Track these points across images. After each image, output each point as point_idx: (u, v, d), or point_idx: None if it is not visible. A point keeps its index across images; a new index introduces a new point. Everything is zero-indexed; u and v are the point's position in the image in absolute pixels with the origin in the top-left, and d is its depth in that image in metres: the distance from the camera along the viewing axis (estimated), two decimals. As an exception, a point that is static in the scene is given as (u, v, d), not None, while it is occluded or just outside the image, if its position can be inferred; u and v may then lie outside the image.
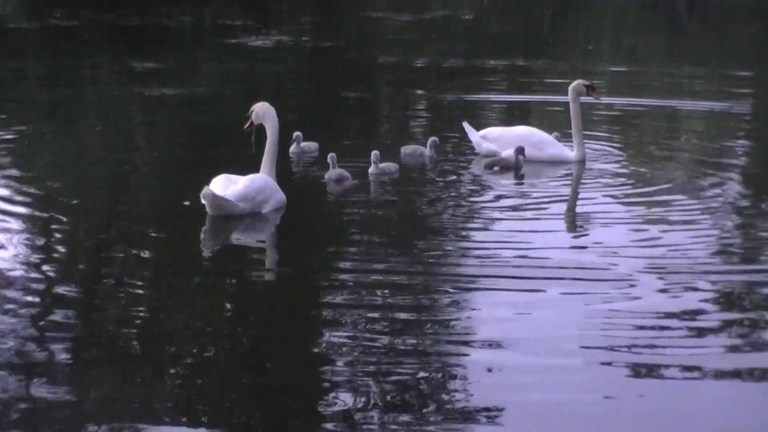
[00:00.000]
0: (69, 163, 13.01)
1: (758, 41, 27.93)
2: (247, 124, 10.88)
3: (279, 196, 10.51)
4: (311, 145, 13.23)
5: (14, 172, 12.03)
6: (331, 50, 24.68)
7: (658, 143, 14.67)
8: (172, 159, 13.56)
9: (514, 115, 17.14)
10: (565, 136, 13.57)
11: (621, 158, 13.34)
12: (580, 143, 12.86)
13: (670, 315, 7.65)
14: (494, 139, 13.10)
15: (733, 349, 7.13)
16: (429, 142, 13.11)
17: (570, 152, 12.90)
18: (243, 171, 10.55)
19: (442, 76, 20.54)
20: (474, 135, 13.26)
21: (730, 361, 6.91)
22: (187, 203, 10.63)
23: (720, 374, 6.74)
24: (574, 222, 10.41)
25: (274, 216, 10.38)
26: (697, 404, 6.38)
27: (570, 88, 12.96)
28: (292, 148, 13.10)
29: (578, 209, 11.06)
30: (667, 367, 6.80)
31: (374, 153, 12.09)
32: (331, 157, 11.91)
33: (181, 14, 29.85)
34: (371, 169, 12.06)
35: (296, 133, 13.10)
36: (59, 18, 28.66)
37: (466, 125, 13.36)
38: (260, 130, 10.92)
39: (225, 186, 10.19)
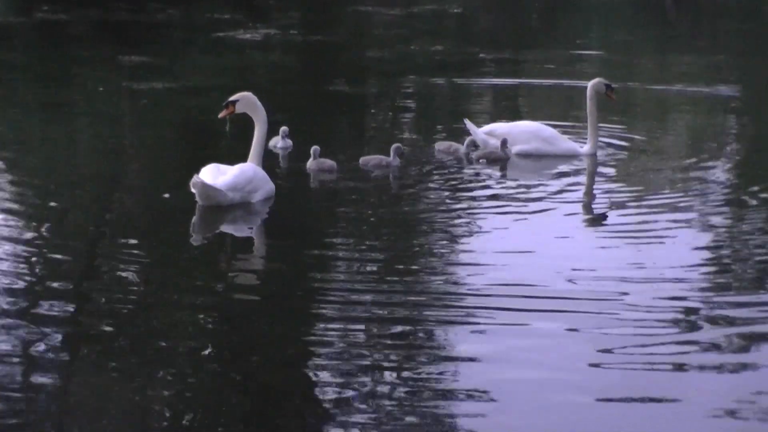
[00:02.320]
0: (58, 157, 12.97)
1: (746, 37, 27.99)
2: (224, 113, 10.81)
3: (268, 186, 10.49)
4: (287, 141, 12.98)
5: (1, 166, 11.97)
6: (320, 44, 24.64)
7: (663, 134, 14.65)
8: (161, 152, 13.53)
9: (509, 106, 17.18)
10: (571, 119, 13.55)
11: (630, 154, 13.15)
12: (594, 138, 12.77)
13: (686, 362, 6.81)
14: (501, 135, 12.79)
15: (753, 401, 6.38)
16: (466, 141, 12.77)
17: (580, 147, 12.83)
18: (231, 163, 10.52)
19: (433, 70, 20.52)
20: (479, 133, 12.89)
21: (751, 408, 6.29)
22: (166, 196, 10.63)
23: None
24: (580, 237, 9.74)
25: (264, 206, 10.37)
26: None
27: (590, 85, 12.86)
28: (280, 144, 12.85)
29: (584, 220, 10.47)
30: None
31: (396, 146, 12.00)
32: (314, 150, 11.82)
33: (169, 8, 29.75)
34: (392, 160, 11.91)
35: (283, 128, 12.91)
36: (47, 12, 28.52)
37: (468, 123, 13.01)
38: (235, 119, 10.89)
39: (214, 175, 10.16)
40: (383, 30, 27.76)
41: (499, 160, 12.54)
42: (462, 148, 12.74)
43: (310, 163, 11.79)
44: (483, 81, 19.23)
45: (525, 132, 12.85)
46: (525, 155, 12.77)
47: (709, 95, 17.86)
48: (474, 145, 12.81)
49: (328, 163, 11.76)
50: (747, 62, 22.40)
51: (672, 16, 33.92)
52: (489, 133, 12.89)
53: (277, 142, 12.86)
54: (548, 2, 36.82)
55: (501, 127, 13.07)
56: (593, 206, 10.97)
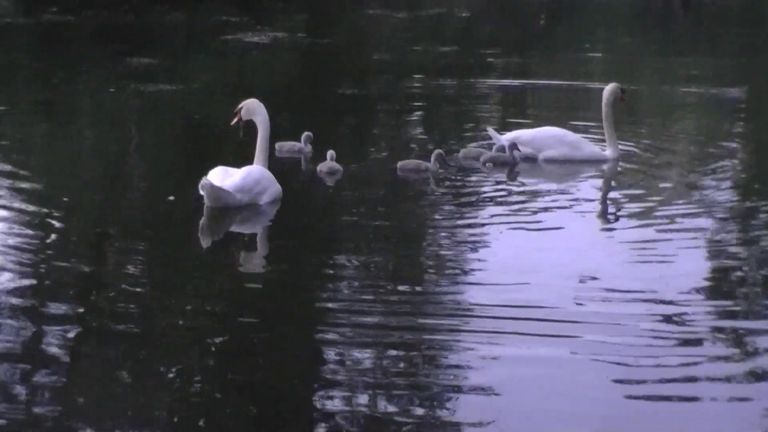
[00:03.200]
0: (63, 159, 12.96)
1: (751, 40, 28.00)
2: (234, 120, 10.98)
3: (276, 188, 10.51)
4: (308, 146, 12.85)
5: (7, 169, 11.94)
6: (326, 47, 24.65)
7: (674, 138, 14.60)
8: (166, 155, 13.53)
9: (519, 109, 17.20)
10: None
11: (649, 158, 13.06)
12: (614, 142, 12.75)
13: (695, 393, 6.44)
14: (527, 142, 12.66)
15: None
16: (494, 148, 12.63)
17: (603, 152, 12.79)
18: (238, 166, 10.53)
19: (439, 73, 20.51)
20: (502, 141, 12.62)
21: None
22: (171, 198, 10.66)
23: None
24: (593, 251, 9.30)
25: (271, 208, 10.37)
26: None
27: (608, 90, 12.81)
28: (306, 149, 12.67)
29: (599, 232, 10.12)
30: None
31: (438, 152, 11.96)
32: (330, 154, 11.87)
33: (175, 11, 29.79)
34: (431, 166, 11.87)
35: (306, 133, 12.69)
36: (54, 14, 28.58)
37: (491, 131, 12.83)
38: (247, 125, 10.99)
39: (222, 177, 10.19)
40: (390, 33, 27.76)
41: (506, 164, 12.49)
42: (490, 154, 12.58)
43: (320, 166, 11.85)
44: (492, 82, 19.26)
45: (551, 138, 12.74)
46: (552, 161, 12.66)
47: (716, 98, 17.86)
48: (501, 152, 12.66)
49: (327, 165, 11.81)
50: (752, 66, 22.40)
51: (679, 19, 33.94)
52: (514, 140, 12.68)
53: (301, 147, 12.74)
54: (554, 6, 36.84)
55: (525, 133, 12.87)
56: (607, 218, 10.72)
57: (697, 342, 7.21)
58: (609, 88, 12.89)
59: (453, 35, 28.37)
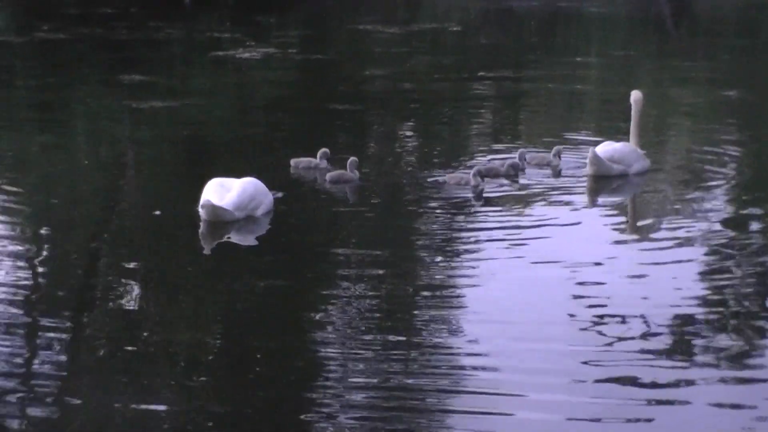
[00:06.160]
0: (58, 176, 12.96)
1: (745, 52, 28.11)
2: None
3: (269, 199, 10.72)
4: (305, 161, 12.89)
5: (1, 185, 11.96)
6: (320, 63, 24.67)
7: (676, 148, 14.64)
8: (161, 171, 13.54)
9: (513, 123, 17.26)
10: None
11: (658, 169, 13.10)
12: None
13: None
14: (620, 159, 12.57)
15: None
16: (518, 154, 12.76)
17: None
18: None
19: (433, 87, 20.56)
20: (605, 161, 12.40)
21: None
22: (157, 213, 10.71)
23: None
24: (596, 286, 8.71)
25: (267, 221, 10.43)
26: None
27: (639, 100, 12.80)
28: (321, 164, 12.68)
29: (615, 254, 9.68)
30: None
31: (476, 169, 12.05)
32: (351, 162, 12.04)
33: (169, 28, 29.83)
34: (472, 182, 11.93)
35: (323, 150, 12.71)
36: (47, 31, 28.60)
37: (594, 151, 12.41)
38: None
39: (219, 193, 10.32)
40: (383, 48, 27.78)
41: (498, 175, 12.51)
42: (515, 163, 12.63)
43: (327, 176, 12.09)
44: (488, 94, 19.33)
45: (633, 153, 12.70)
46: (639, 174, 12.63)
47: (713, 107, 17.96)
48: (524, 158, 12.76)
49: (331, 174, 12.05)
50: (746, 77, 22.49)
51: (673, 33, 34.06)
52: (610, 159, 12.55)
53: (317, 163, 12.70)
54: (546, 19, 36.95)
55: (617, 152, 12.65)
56: (626, 234, 10.54)
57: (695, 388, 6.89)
58: (640, 97, 12.85)
59: (445, 51, 28.42)
